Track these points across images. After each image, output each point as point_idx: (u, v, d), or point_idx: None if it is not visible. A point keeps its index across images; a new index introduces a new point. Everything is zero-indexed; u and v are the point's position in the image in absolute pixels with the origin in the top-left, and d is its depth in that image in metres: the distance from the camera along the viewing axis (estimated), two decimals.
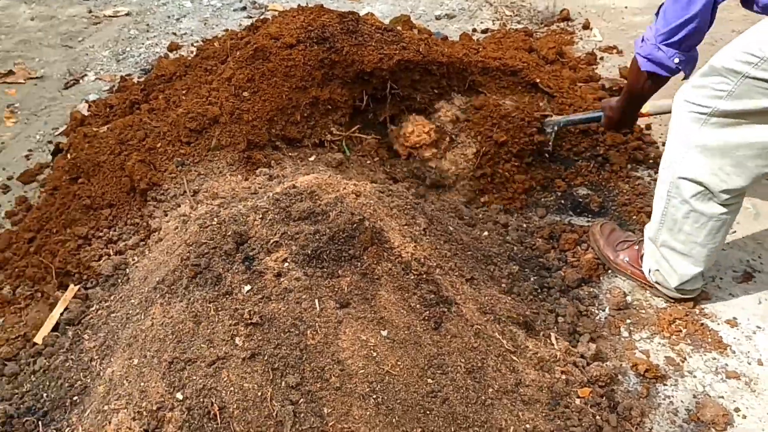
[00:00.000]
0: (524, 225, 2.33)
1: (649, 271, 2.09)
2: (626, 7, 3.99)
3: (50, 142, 2.91)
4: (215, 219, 1.85)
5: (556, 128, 2.56)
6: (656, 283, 2.09)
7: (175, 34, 3.78)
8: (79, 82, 3.36)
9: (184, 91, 2.51)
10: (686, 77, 1.92)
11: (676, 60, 1.84)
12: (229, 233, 1.77)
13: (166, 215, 2.11)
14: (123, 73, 3.40)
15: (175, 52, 3.54)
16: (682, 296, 2.08)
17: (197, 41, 3.63)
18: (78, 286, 2.05)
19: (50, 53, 3.63)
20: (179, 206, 2.10)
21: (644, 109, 2.30)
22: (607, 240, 2.22)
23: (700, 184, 1.83)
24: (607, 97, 2.95)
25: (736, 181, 1.80)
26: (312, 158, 2.32)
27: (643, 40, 1.90)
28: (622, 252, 2.18)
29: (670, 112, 2.41)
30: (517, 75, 2.82)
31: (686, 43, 1.81)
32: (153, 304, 1.73)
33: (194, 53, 3.17)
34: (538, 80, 2.85)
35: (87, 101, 3.15)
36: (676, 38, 1.79)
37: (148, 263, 1.96)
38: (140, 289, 1.86)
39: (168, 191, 2.16)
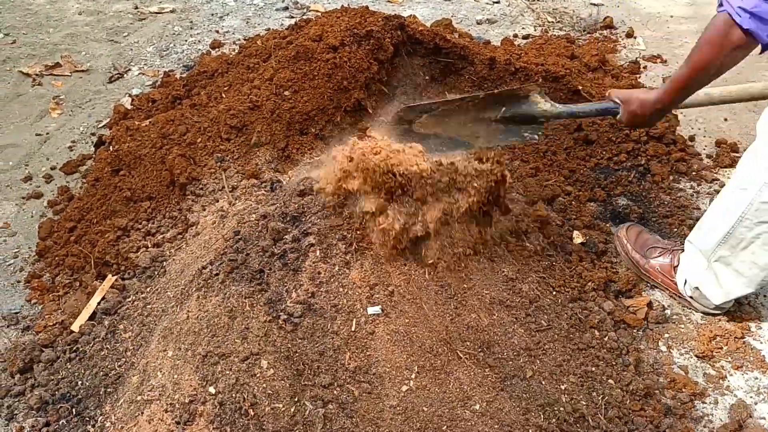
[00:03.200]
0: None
1: (685, 283, 2.04)
2: (672, 16, 3.92)
3: (93, 134, 2.96)
4: (253, 215, 1.86)
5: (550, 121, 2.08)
6: (690, 297, 2.04)
7: (217, 32, 3.82)
8: (123, 77, 3.41)
9: (225, 88, 2.53)
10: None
11: None
12: (267, 229, 1.77)
13: (204, 210, 2.12)
14: (166, 68, 3.45)
15: (217, 49, 3.58)
16: (717, 312, 2.03)
17: (239, 39, 3.66)
18: (115, 277, 2.07)
19: (96, 47, 3.69)
20: (217, 201, 2.12)
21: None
22: (635, 243, 2.17)
23: None
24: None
25: None
26: None
27: None
28: (653, 258, 2.13)
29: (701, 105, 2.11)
30: (559, 81, 2.78)
31: None
32: (189, 298, 1.74)
33: (236, 51, 3.20)
34: (580, 87, 2.80)
35: (130, 95, 3.20)
36: None
37: (185, 256, 1.98)
38: (176, 281, 1.88)
39: (207, 186, 2.18)
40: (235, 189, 2.13)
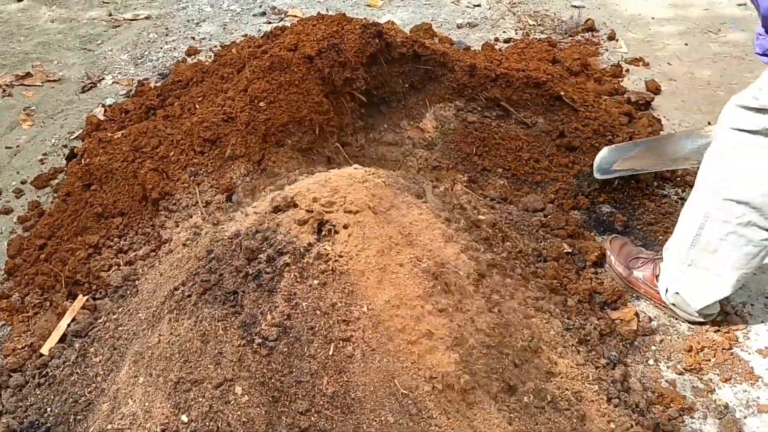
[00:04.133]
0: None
1: (666, 292, 2.01)
2: (653, 18, 3.90)
3: (65, 146, 2.88)
4: (226, 232, 1.80)
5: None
6: (673, 305, 2.01)
7: (194, 38, 3.74)
8: (96, 86, 3.33)
9: (199, 99, 2.46)
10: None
11: None
12: (241, 248, 1.71)
13: (178, 226, 2.06)
14: (141, 77, 3.37)
15: (193, 56, 3.51)
16: (701, 320, 2.00)
17: (216, 46, 3.59)
18: (86, 297, 2.00)
19: (69, 56, 3.61)
20: (191, 217, 2.05)
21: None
22: (618, 255, 2.15)
23: (748, 205, 1.74)
24: (632, 110, 2.86)
25: None
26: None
27: None
28: (636, 269, 2.11)
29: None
30: (540, 87, 2.74)
31: None
32: (161, 320, 1.68)
33: (212, 59, 3.13)
34: (562, 92, 2.77)
35: (103, 105, 3.12)
36: None
37: (157, 276, 1.91)
38: (148, 302, 1.81)
39: (180, 201, 2.12)
40: (209, 204, 2.07)
